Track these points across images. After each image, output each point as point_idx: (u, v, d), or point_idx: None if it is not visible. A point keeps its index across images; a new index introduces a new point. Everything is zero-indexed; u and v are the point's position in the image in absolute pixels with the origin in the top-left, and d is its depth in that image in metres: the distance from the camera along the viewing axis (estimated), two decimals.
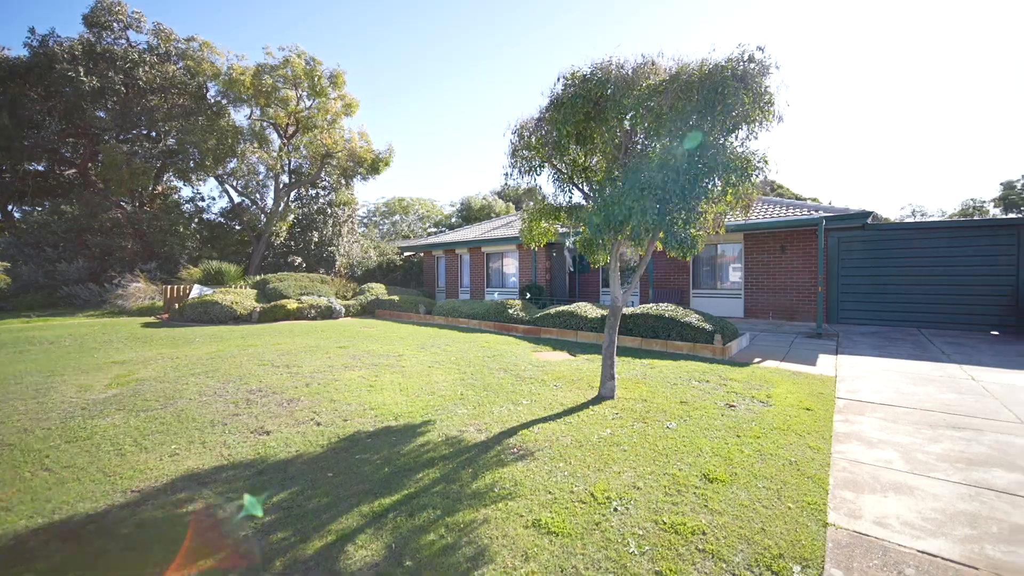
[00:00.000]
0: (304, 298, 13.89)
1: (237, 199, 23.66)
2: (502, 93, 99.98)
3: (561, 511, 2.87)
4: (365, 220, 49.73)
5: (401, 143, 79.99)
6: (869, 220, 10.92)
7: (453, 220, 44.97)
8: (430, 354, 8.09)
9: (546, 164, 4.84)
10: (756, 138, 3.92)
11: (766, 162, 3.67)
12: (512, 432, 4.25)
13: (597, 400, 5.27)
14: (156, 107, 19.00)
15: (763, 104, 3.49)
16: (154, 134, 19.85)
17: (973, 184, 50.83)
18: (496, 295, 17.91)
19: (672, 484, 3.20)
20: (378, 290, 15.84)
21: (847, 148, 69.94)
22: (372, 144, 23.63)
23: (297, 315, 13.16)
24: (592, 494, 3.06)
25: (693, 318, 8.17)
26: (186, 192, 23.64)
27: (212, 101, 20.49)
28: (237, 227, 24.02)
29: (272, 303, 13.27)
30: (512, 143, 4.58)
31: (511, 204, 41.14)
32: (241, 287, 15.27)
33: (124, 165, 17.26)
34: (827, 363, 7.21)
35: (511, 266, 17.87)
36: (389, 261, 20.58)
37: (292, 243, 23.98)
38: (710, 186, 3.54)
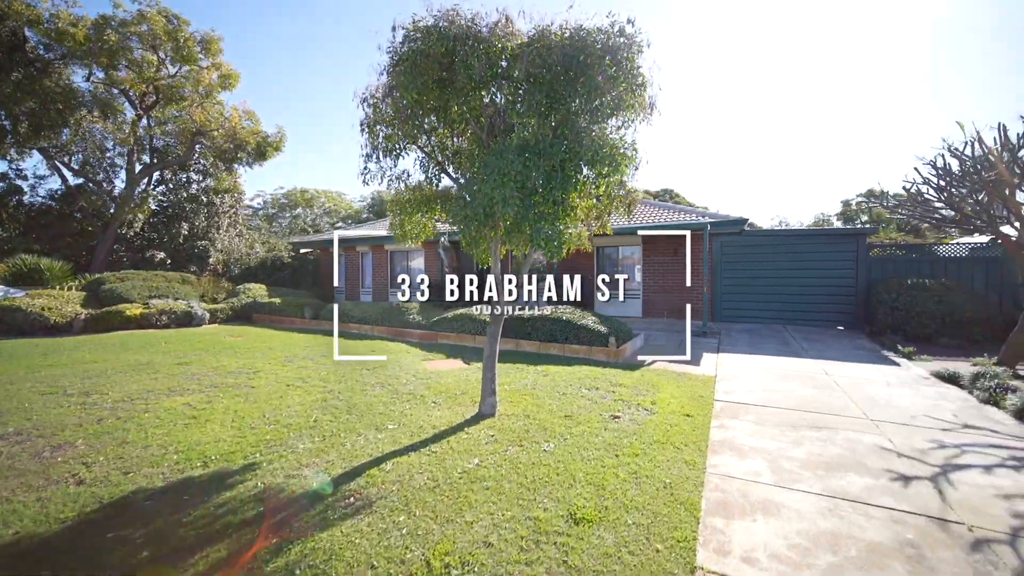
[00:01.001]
0: (154, 302, 11.46)
1: (73, 180, 19.24)
2: None
3: None
4: (260, 212, 44.56)
5: (307, 130, 73.33)
6: (746, 227, 11.89)
7: (364, 215, 42.10)
8: (296, 368, 6.87)
9: (413, 145, 4.09)
10: (634, 129, 3.58)
11: (635, 150, 3.34)
12: (358, 472, 3.43)
13: (476, 419, 4.66)
14: None
15: (636, 86, 3.14)
16: None
17: (822, 200, 60.94)
18: (401, 296, 16.69)
19: (532, 533, 2.66)
20: (257, 291, 13.75)
21: (733, 162, 79.53)
22: (260, 125, 20.80)
23: (142, 323, 10.78)
24: (428, 562, 2.39)
25: (589, 320, 8.00)
26: None
27: (33, 55, 16.31)
28: (76, 215, 19.57)
29: (105, 309, 10.71)
30: (365, 115, 3.74)
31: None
32: (70, 288, 12.19)
33: None
34: (709, 362, 7.45)
35: (418, 265, 16.79)
36: (275, 258, 18.17)
37: (155, 236, 20.20)
38: (579, 176, 3.10)
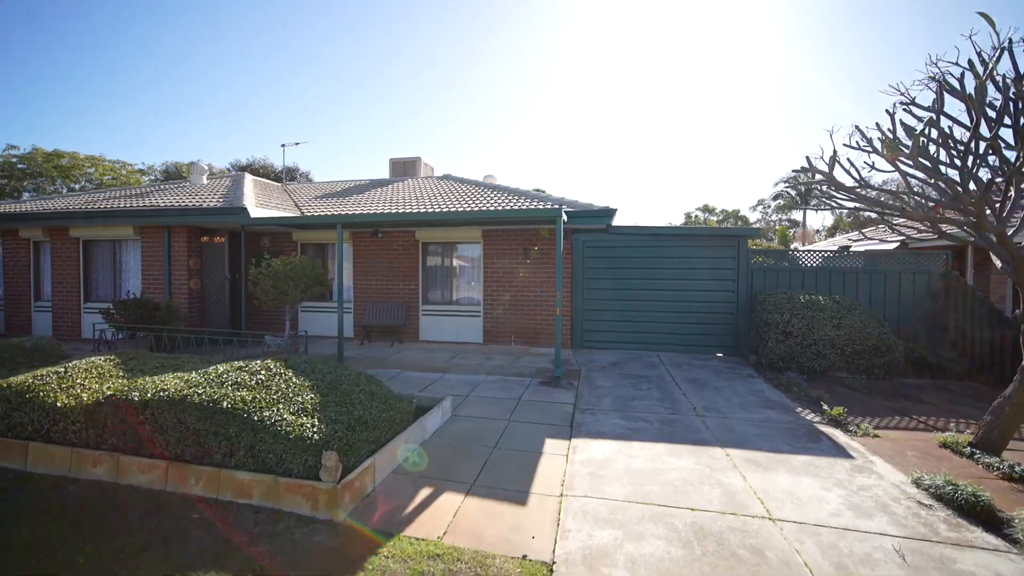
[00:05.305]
0: None
1: None
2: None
3: None
4: None
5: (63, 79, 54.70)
6: (613, 221, 8.74)
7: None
8: None
9: None
10: None
11: None
12: None
13: None
14: None
15: None
16: None
17: (668, 213, 67.59)
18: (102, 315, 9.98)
19: None
20: None
21: (599, 168, 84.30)
22: None
23: None
24: None
25: (288, 411, 3.39)
26: None
27: None
28: None
29: None
30: None
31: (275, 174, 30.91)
32: None
33: None
34: (549, 479, 3.55)
35: (133, 263, 10.26)
36: None
37: None
38: None
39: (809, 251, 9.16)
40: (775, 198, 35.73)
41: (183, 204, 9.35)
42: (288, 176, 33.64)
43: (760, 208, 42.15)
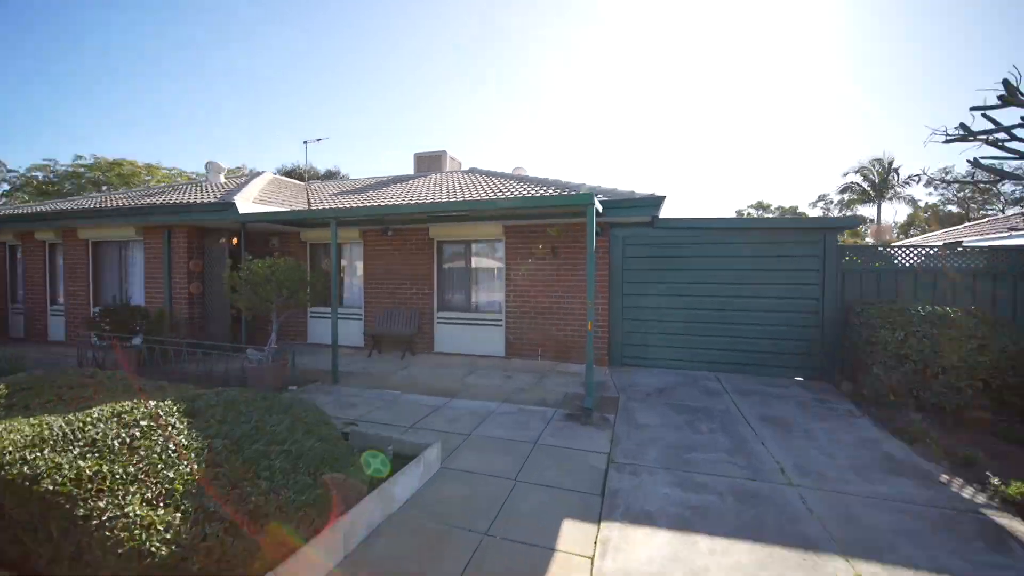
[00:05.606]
0: None
1: None
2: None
3: None
4: (19, 189, 31.86)
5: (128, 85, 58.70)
6: (660, 212, 7.15)
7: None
8: None
9: None
10: None
11: None
12: None
13: None
14: None
15: None
16: None
17: (718, 212, 62.98)
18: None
19: None
20: None
21: (645, 168, 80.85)
22: None
23: None
24: None
25: (165, 481, 2.21)
26: None
27: None
28: None
29: None
30: None
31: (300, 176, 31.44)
32: None
33: None
34: None
35: (139, 266, 9.78)
36: None
37: None
38: None
39: (913, 248, 7.10)
40: (842, 191, 31.91)
41: (176, 201, 8.70)
42: (329, 178, 34.04)
43: (821, 204, 38.27)
